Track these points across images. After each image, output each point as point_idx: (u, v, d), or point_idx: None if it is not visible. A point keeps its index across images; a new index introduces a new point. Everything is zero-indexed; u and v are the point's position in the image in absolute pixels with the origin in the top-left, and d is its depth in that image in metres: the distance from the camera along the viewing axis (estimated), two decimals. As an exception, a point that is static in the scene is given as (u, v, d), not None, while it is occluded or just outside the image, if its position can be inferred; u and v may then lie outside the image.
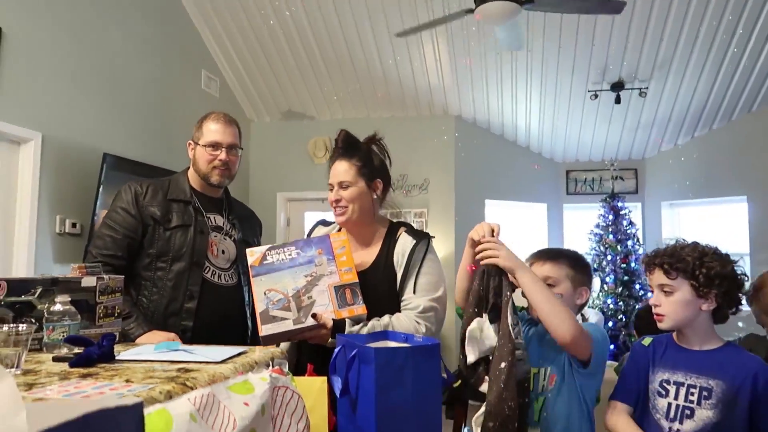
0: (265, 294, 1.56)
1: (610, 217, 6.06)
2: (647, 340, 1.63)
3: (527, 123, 6.18)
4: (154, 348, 1.15)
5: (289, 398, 0.93)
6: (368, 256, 1.81)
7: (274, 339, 1.50)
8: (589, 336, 1.45)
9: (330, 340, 1.51)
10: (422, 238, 1.80)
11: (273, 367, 1.04)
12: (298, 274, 1.58)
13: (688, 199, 6.22)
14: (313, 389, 1.05)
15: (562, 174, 6.79)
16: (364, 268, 1.76)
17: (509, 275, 1.44)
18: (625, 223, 6.05)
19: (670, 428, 1.48)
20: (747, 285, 1.54)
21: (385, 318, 1.60)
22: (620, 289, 5.83)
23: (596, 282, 6.05)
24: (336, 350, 1.25)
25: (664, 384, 1.53)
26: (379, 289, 1.72)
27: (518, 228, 6.62)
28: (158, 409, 0.67)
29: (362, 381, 1.17)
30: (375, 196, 1.82)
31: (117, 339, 1.30)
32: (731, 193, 5.81)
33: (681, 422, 1.46)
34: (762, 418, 1.42)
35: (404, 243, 1.79)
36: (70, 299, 1.17)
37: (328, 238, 1.64)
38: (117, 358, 1.07)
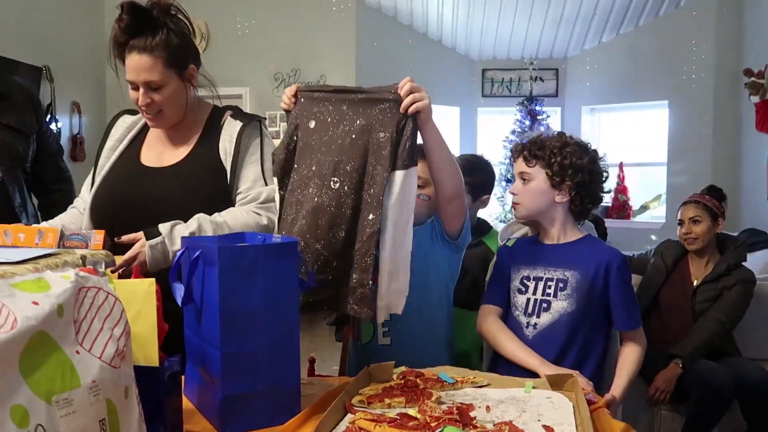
0: None
1: (527, 122, 6.24)
2: (511, 241, 1.76)
3: (440, 12, 6.11)
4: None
5: (102, 301, 0.88)
6: (183, 150, 1.69)
7: None
8: (465, 207, 1.61)
9: (149, 254, 1.45)
10: (251, 119, 1.71)
11: (85, 266, 0.99)
12: None
13: (610, 104, 6.51)
14: (139, 293, 1.01)
15: (477, 73, 6.85)
16: (175, 162, 1.66)
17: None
18: (542, 129, 6.27)
19: (527, 323, 1.63)
20: (606, 183, 1.68)
21: (215, 216, 1.53)
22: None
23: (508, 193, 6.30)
24: (179, 253, 1.21)
25: (524, 281, 1.67)
26: (200, 188, 1.61)
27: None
28: None
29: (206, 286, 1.14)
30: (191, 87, 1.68)
31: None
32: (654, 98, 6.12)
33: (538, 316, 1.62)
34: (613, 302, 1.60)
35: (231, 129, 1.68)
36: None
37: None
38: None
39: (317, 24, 5.77)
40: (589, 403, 1.25)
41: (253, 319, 1.12)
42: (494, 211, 6.54)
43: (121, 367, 0.87)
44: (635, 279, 3.04)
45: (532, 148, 1.61)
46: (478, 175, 2.19)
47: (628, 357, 1.63)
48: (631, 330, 1.63)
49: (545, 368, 1.50)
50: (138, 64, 1.56)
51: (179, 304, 1.18)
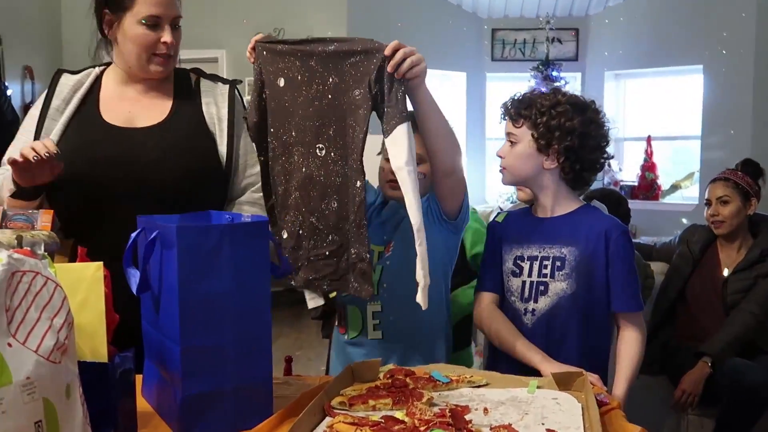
0: None
1: (543, 89, 6.21)
2: (501, 216, 1.76)
3: (443, -37, 6.07)
4: None
5: (40, 287, 0.87)
6: (161, 111, 1.72)
7: None
8: (465, 183, 1.62)
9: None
10: (233, 82, 1.78)
11: (21, 247, 0.98)
12: None
13: (637, 69, 6.48)
14: (84, 279, 1.00)
15: (486, 34, 6.81)
16: (157, 122, 1.69)
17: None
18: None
19: (525, 309, 1.63)
20: (610, 148, 1.67)
21: None
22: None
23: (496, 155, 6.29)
24: (133, 235, 1.20)
25: (518, 261, 1.66)
26: (190, 150, 1.66)
27: (429, 103, 6.66)
28: None
29: (165, 271, 1.13)
30: None
31: None
32: (686, 62, 6.09)
33: (536, 300, 1.62)
34: (612, 277, 1.59)
35: (212, 92, 1.75)
36: None
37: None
38: None
39: (303, -23, 5.73)
40: (601, 404, 1.25)
41: (218, 308, 1.11)
42: (504, 190, 6.54)
43: (62, 363, 0.87)
44: (660, 268, 3.05)
45: (519, 107, 1.61)
46: None
47: (631, 346, 1.60)
48: (632, 312, 1.62)
49: (548, 365, 1.49)
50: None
51: (134, 292, 1.17)
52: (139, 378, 1.23)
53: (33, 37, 5.38)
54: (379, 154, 1.74)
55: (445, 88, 6.83)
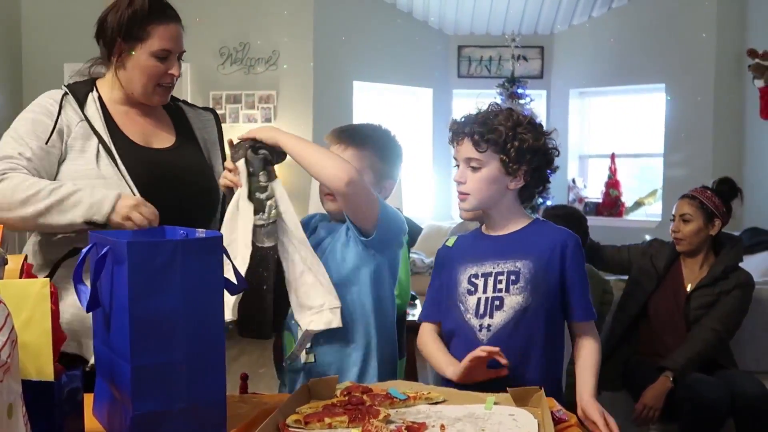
0: None
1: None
2: (451, 240, 1.77)
3: (410, -20, 6.12)
4: None
5: (-18, 304, 0.86)
6: (168, 133, 1.86)
7: None
8: (370, 191, 1.60)
9: None
10: (212, 110, 2.02)
11: (-37, 263, 0.96)
12: None
13: (601, 86, 6.59)
14: (30, 295, 0.99)
15: (452, 50, 6.88)
16: (171, 144, 1.83)
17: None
18: (526, 114, 6.32)
19: (480, 325, 1.63)
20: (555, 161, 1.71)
21: None
22: (517, 195, 6.17)
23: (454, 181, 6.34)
24: (84, 250, 1.18)
25: (473, 279, 1.66)
26: (203, 172, 1.85)
27: (395, 118, 6.69)
28: None
29: (116, 287, 1.11)
30: None
31: None
32: (649, 80, 6.22)
33: (491, 316, 1.62)
34: (570, 288, 1.62)
35: (198, 118, 1.95)
36: None
37: None
38: None
39: (270, -9, 5.74)
40: (559, 421, 1.26)
41: (170, 326, 1.10)
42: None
43: (4, 381, 0.85)
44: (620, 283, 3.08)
45: (482, 131, 1.58)
46: None
47: (591, 353, 1.62)
48: (589, 321, 1.64)
49: (453, 369, 1.54)
50: (177, 32, 1.77)
51: (84, 309, 1.15)
52: (90, 397, 1.21)
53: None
54: None
55: (412, 104, 6.87)
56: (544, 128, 1.66)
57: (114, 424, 1.17)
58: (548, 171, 1.67)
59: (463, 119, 1.64)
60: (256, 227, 1.55)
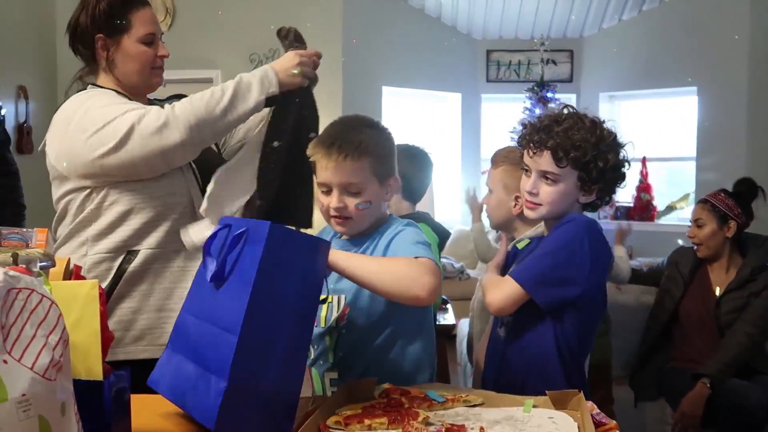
0: None
1: (538, 110, 6.25)
2: (523, 243, 1.75)
3: (438, -15, 6.13)
4: None
5: (35, 304, 0.88)
6: None
7: None
8: (430, 265, 1.42)
9: None
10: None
11: (16, 265, 0.98)
12: None
13: (631, 90, 6.53)
14: (79, 297, 1.01)
15: (481, 55, 6.86)
16: None
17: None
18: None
19: (501, 322, 1.67)
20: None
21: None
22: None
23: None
24: (217, 229, 1.26)
25: None
26: None
27: (425, 124, 6.70)
28: None
29: (241, 262, 1.17)
30: None
31: None
32: (681, 83, 6.14)
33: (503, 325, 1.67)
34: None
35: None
36: None
37: None
38: None
39: (299, -2, 5.78)
40: (598, 424, 1.26)
41: (279, 309, 1.16)
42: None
43: (57, 380, 0.87)
44: (643, 290, 3.06)
45: (566, 147, 1.53)
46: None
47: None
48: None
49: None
50: (153, 14, 1.79)
51: (207, 278, 1.22)
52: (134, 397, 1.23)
53: (27, 57, 5.39)
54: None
55: (440, 109, 6.87)
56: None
57: (186, 395, 1.20)
58: (618, 186, 1.64)
59: (539, 128, 1.57)
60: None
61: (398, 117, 6.39)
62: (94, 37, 1.70)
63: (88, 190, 1.66)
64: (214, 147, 1.88)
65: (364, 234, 1.60)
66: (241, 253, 1.18)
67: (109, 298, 1.62)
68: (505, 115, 6.67)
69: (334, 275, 1.48)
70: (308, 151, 1.57)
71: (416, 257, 1.42)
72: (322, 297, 1.52)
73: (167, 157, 1.60)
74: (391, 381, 1.43)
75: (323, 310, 1.58)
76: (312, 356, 1.60)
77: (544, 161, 1.56)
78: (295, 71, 1.66)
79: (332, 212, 1.54)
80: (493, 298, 1.58)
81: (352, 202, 1.52)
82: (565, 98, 6.47)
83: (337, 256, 1.40)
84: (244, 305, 1.11)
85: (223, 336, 1.13)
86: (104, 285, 1.62)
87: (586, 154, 1.53)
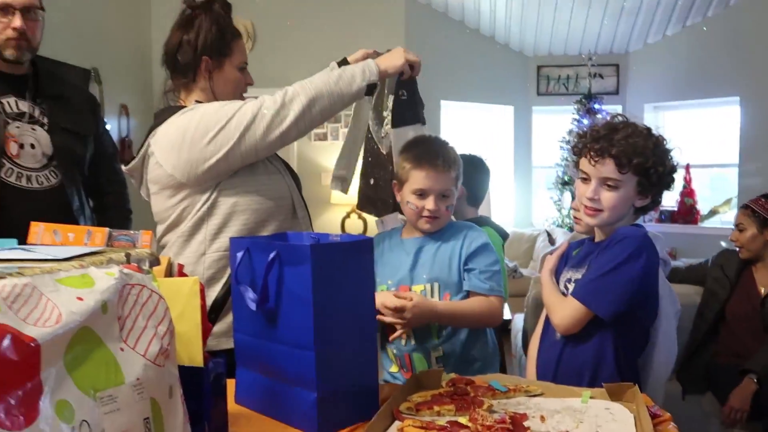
0: None
1: (586, 121, 6.13)
2: (577, 251, 1.70)
3: (492, 7, 6.07)
4: (-17, 247, 1.10)
5: (146, 298, 0.90)
6: None
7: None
8: (499, 304, 1.69)
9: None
10: None
11: (129, 263, 1.01)
12: None
13: (675, 100, 6.34)
14: (182, 292, 1.03)
15: (532, 70, 6.77)
16: None
17: None
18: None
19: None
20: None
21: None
22: (593, 204, 6.00)
23: (567, 196, 6.20)
24: (239, 255, 1.23)
25: (566, 284, 1.62)
26: None
27: (480, 134, 6.65)
28: (-56, 295, 0.63)
29: (288, 285, 1.15)
30: None
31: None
32: (723, 93, 5.93)
33: None
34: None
35: None
36: None
37: None
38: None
39: (365, 20, 5.80)
40: (653, 416, 1.22)
41: (339, 317, 1.15)
42: (550, 215, 6.44)
43: (165, 366, 0.89)
44: (686, 289, 2.96)
45: (628, 153, 1.48)
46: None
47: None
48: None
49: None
50: (245, 45, 1.84)
51: (251, 308, 1.19)
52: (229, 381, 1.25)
53: (128, 78, 5.57)
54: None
55: (494, 121, 6.81)
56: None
57: (279, 408, 1.20)
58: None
59: (601, 135, 1.52)
60: (378, 136, 1.86)
61: (456, 128, 6.36)
62: (200, 58, 1.71)
63: (203, 195, 1.65)
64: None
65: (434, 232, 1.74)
66: (282, 275, 1.16)
67: (230, 292, 1.63)
68: (555, 125, 6.56)
69: (423, 267, 1.70)
70: (405, 163, 1.69)
71: (489, 295, 1.67)
72: (415, 287, 1.68)
73: (284, 136, 1.61)
74: (480, 364, 1.71)
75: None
76: (413, 342, 1.69)
77: (607, 168, 1.51)
78: (399, 62, 1.72)
79: (426, 213, 1.67)
80: (560, 320, 1.54)
81: (443, 206, 1.67)
82: (612, 109, 6.32)
83: (440, 314, 1.63)
84: (310, 324, 1.11)
85: (299, 353, 1.13)
86: (224, 279, 1.64)
87: (648, 159, 1.49)
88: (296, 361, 1.14)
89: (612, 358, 1.51)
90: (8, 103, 1.96)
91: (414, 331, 1.67)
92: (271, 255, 1.16)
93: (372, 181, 1.92)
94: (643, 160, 1.49)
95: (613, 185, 1.52)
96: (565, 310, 1.53)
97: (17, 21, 1.87)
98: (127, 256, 1.01)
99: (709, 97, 6.07)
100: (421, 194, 1.66)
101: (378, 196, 1.91)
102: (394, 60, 1.73)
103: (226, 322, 1.62)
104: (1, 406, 0.64)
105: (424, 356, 1.68)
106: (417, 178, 1.66)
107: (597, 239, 1.63)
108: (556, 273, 1.69)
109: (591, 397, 1.29)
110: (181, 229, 1.69)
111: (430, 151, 1.69)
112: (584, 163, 1.56)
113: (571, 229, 5.90)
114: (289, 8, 5.89)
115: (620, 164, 1.49)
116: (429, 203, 1.65)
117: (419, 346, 1.69)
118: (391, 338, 1.67)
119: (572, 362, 1.54)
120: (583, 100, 6.20)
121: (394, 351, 1.73)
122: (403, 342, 1.69)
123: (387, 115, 1.84)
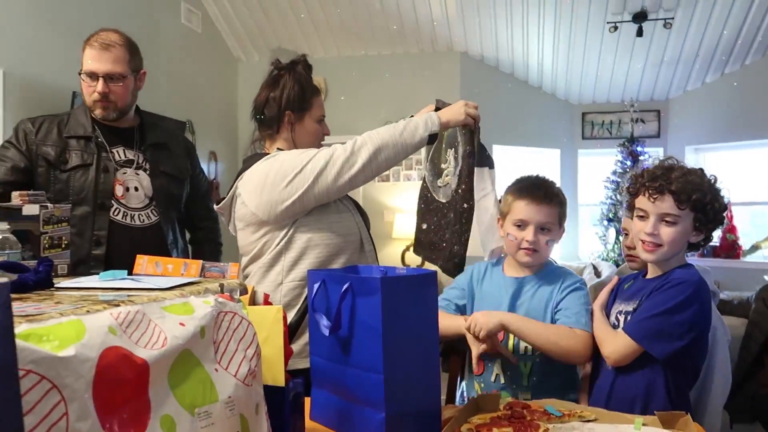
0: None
1: (629, 163, 5.98)
2: (628, 284, 1.63)
3: (539, 60, 6.05)
4: (98, 277, 1.15)
5: (237, 324, 0.92)
6: None
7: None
8: (587, 339, 1.52)
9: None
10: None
11: (222, 293, 1.04)
12: None
13: (715, 143, 6.12)
14: (268, 318, 1.05)
15: (577, 117, 6.68)
16: None
17: None
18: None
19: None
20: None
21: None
22: (637, 240, 5.81)
23: (611, 232, 6.03)
24: (315, 286, 1.24)
25: (618, 315, 1.54)
26: None
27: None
28: (72, 320, 0.66)
29: (359, 314, 1.15)
30: None
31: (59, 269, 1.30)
32: (761, 135, 5.70)
33: None
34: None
35: None
36: (8, 227, 1.16)
37: None
38: (57, 285, 1.07)
39: (424, 74, 5.87)
40: (704, 444, 1.16)
41: (407, 344, 1.13)
42: (596, 249, 6.27)
43: (253, 386, 0.90)
44: (733, 321, 2.82)
45: (687, 190, 1.43)
46: None
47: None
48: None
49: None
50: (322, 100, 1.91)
51: (325, 333, 1.19)
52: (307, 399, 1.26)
53: (216, 127, 5.79)
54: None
55: (542, 163, 6.72)
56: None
57: (350, 426, 1.20)
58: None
59: (660, 174, 1.47)
60: (434, 186, 1.90)
61: (507, 170, 6.30)
62: (284, 112, 1.78)
63: (282, 231, 1.69)
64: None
65: (528, 272, 1.66)
66: (354, 304, 1.15)
67: (303, 317, 1.66)
68: (599, 166, 6.43)
69: (520, 308, 1.60)
70: (508, 196, 1.65)
71: (577, 329, 1.53)
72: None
73: (352, 180, 1.65)
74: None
75: (510, 339, 1.59)
76: (502, 381, 1.61)
77: (666, 204, 1.45)
78: (461, 116, 1.74)
79: (525, 244, 1.59)
80: (611, 353, 1.48)
81: (543, 239, 1.59)
82: (653, 151, 6.17)
83: (509, 318, 1.51)
84: (380, 350, 1.10)
85: (369, 376, 1.12)
86: (298, 306, 1.67)
87: (705, 195, 1.44)
88: (366, 383, 1.13)
89: (664, 391, 1.44)
90: (118, 152, 2.07)
91: (504, 370, 1.60)
92: (345, 286, 1.16)
93: (424, 226, 1.92)
94: (701, 196, 1.44)
95: (671, 221, 1.46)
96: (616, 344, 1.46)
97: (100, 86, 1.96)
98: (221, 286, 1.04)
99: (747, 139, 5.85)
100: (520, 225, 1.59)
101: (429, 240, 1.90)
102: (455, 113, 1.74)
103: (299, 344, 1.65)
104: (116, 420, 0.67)
105: (511, 396, 1.57)
106: (517, 209, 1.60)
107: (650, 275, 1.55)
108: (606, 306, 1.63)
109: (643, 424, 1.23)
110: (262, 260, 1.73)
111: (533, 184, 1.64)
112: (642, 201, 1.50)
113: (616, 264, 5.72)
114: (356, 66, 6.03)
115: (679, 200, 1.44)
116: (528, 234, 1.57)
117: (508, 387, 1.60)
118: (476, 369, 1.60)
119: (624, 393, 1.48)
120: (626, 143, 6.07)
121: (482, 385, 1.64)
122: (492, 378, 1.61)
123: (445, 167, 1.83)
